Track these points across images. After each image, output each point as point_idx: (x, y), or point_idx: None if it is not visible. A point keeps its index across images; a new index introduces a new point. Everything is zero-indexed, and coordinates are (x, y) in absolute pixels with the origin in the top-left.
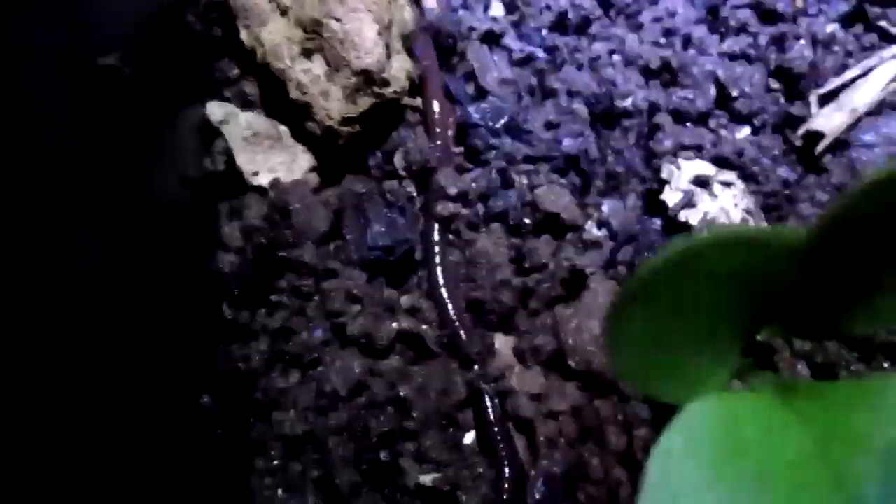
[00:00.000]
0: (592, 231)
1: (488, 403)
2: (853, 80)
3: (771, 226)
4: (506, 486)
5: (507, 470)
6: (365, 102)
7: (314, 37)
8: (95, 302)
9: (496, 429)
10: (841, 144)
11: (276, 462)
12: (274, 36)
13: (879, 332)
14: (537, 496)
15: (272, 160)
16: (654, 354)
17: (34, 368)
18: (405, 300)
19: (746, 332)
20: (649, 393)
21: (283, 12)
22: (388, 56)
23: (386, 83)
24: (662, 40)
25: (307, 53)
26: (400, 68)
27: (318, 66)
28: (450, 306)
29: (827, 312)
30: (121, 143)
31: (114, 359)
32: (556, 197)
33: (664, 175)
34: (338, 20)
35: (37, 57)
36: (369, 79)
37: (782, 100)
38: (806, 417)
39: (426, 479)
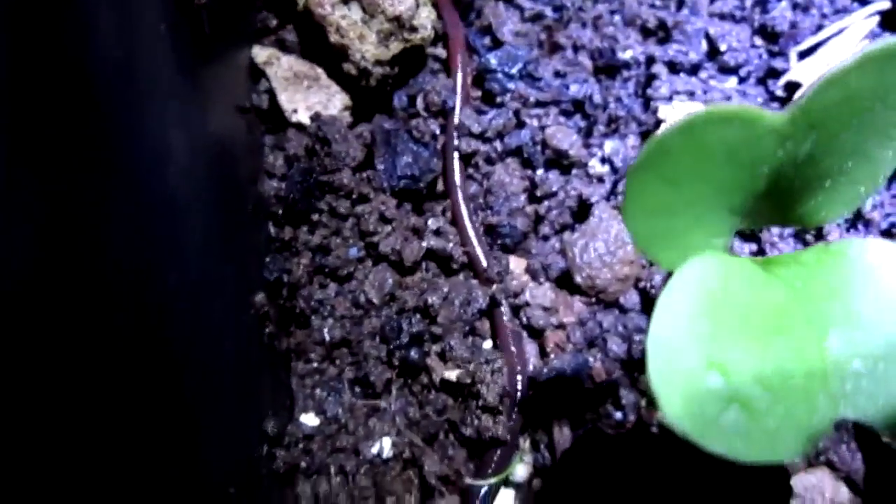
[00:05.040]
0: (596, 167)
1: (504, 311)
2: (828, 39)
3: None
4: (519, 378)
5: (518, 366)
6: (396, 47)
7: None
8: (174, 204)
9: (511, 331)
10: None
11: (315, 365)
12: None
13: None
14: (546, 389)
15: (310, 99)
16: (661, 222)
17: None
18: (431, 223)
19: (736, 213)
20: (656, 258)
21: None
22: (417, 5)
23: (414, 30)
24: (658, 2)
25: (345, 1)
26: (426, 17)
27: (355, 12)
28: (470, 229)
29: (795, 200)
30: (198, 63)
31: (186, 254)
32: (564, 136)
33: (661, 115)
34: None
35: None
36: (401, 25)
37: (765, 55)
38: (783, 276)
39: (451, 374)
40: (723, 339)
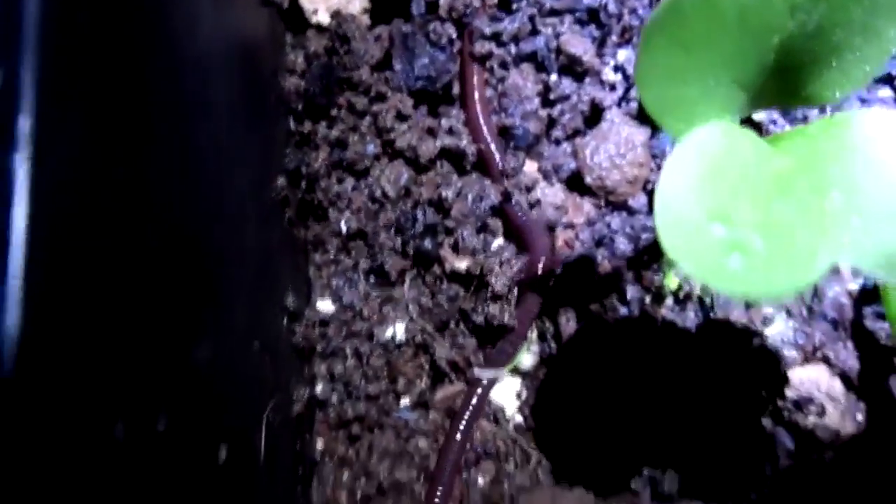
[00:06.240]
0: (609, 75)
1: (518, 200)
2: None
3: None
4: (540, 260)
5: (541, 247)
6: None
7: None
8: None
9: (526, 217)
10: None
11: (331, 255)
12: None
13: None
14: (559, 281)
15: (330, 0)
16: (672, 89)
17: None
18: (444, 123)
19: (745, 89)
20: (667, 127)
21: None
22: None
23: None
24: None
25: None
26: None
27: None
28: (484, 126)
29: (803, 77)
30: None
31: (213, 116)
32: (578, 43)
33: None
34: None
35: None
36: None
37: None
38: (788, 148)
39: (462, 263)
40: (727, 196)
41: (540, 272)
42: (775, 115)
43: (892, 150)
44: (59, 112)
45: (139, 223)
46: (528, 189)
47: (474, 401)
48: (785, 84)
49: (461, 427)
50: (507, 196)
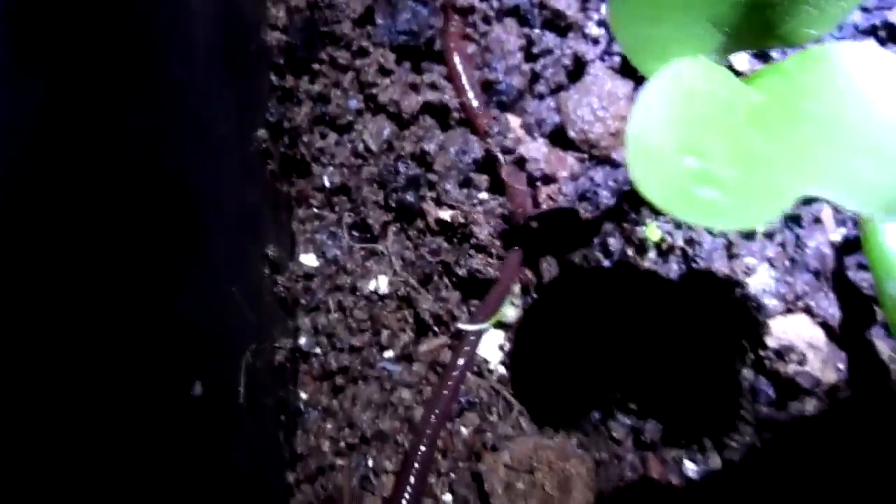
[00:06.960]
0: (592, 29)
1: (503, 158)
2: None
3: None
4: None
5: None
6: None
7: None
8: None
9: (508, 168)
10: None
11: (315, 210)
12: None
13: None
14: (543, 234)
15: None
16: (647, 29)
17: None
18: (427, 78)
19: (720, 28)
20: (643, 68)
21: None
22: None
23: None
24: None
25: None
26: None
27: None
28: (466, 83)
29: (779, 15)
30: None
31: (191, 54)
32: None
33: None
34: None
35: None
36: None
37: None
38: (763, 84)
39: (445, 214)
40: (699, 128)
41: (521, 221)
42: (757, 66)
43: (866, 82)
44: (29, 42)
45: (111, 158)
46: (515, 142)
47: (463, 355)
48: (760, 22)
49: (450, 381)
50: (490, 149)
